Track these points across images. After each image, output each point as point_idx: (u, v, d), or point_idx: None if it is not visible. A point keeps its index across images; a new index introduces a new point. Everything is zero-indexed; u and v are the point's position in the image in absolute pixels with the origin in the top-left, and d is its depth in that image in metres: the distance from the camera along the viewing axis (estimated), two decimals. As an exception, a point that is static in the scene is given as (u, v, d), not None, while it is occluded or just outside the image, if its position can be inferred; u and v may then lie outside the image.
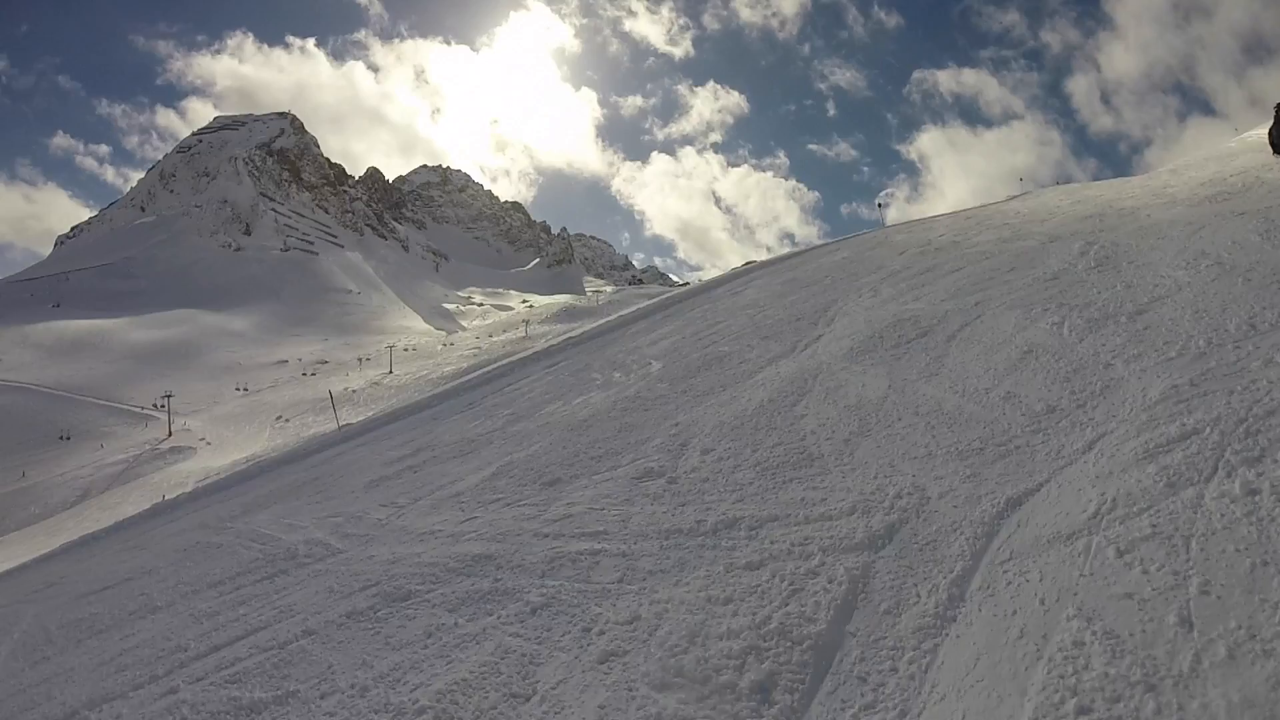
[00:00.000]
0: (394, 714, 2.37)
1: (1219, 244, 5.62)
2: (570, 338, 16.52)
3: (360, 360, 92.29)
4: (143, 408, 77.61)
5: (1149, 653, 1.51)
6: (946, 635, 1.81)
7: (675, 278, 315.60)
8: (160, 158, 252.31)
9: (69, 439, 70.78)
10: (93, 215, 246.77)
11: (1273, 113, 10.80)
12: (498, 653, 2.49)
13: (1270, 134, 9.45)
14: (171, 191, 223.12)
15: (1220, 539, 1.81)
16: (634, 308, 21.69)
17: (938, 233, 14.82)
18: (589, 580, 2.84)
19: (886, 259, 12.00)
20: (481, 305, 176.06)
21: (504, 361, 19.28)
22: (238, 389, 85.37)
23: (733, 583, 2.37)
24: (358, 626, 3.35)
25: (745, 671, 1.89)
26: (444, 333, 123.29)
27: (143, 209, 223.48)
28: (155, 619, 5.16)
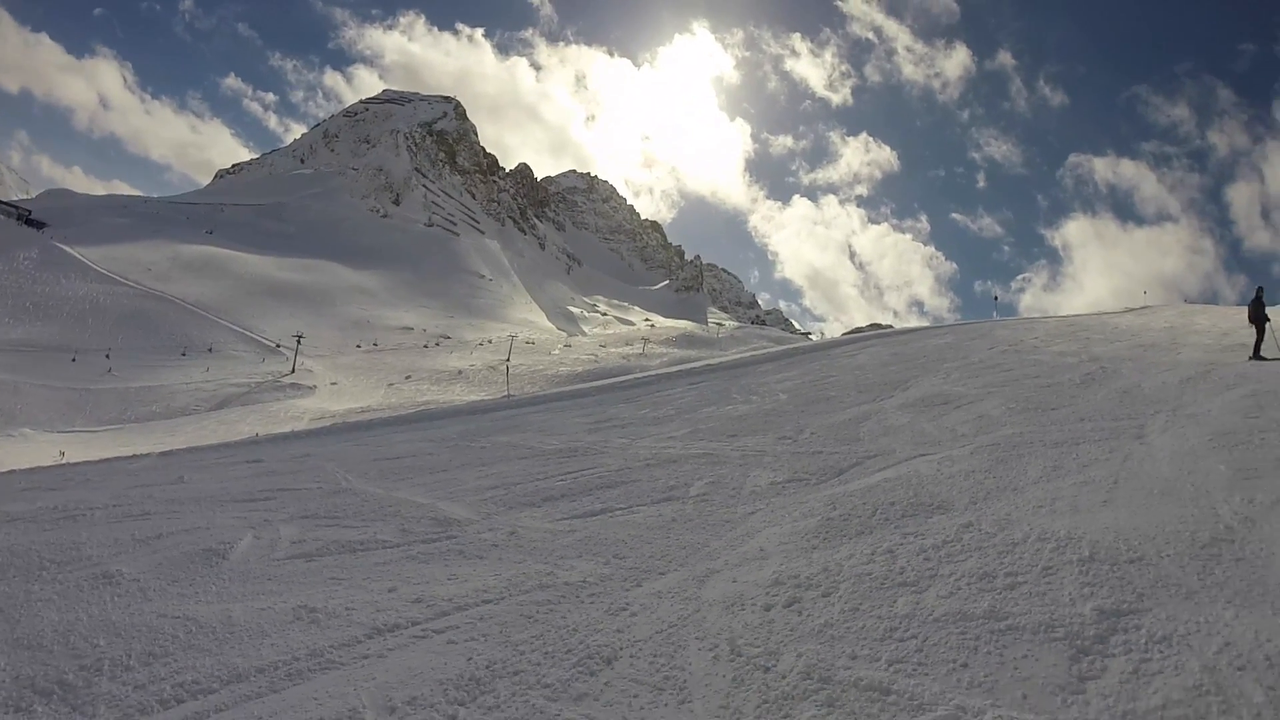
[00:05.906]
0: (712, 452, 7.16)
1: (1146, 382, 9.81)
2: (710, 365, 21.13)
3: (483, 343, 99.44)
4: (270, 341, 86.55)
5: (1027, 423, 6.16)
6: (880, 459, 6.51)
7: (798, 325, 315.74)
8: (325, 117, 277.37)
9: (212, 351, 79.69)
10: (254, 157, 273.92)
11: None
12: (730, 468, 7.26)
13: (1249, 310, 13.24)
14: (332, 150, 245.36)
15: (997, 418, 6.41)
16: (763, 350, 26.03)
17: (1034, 334, 18.42)
18: (760, 459, 7.60)
19: (975, 351, 15.67)
20: (605, 315, 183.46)
21: (648, 373, 24.26)
22: (359, 345, 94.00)
23: (820, 459, 7.14)
24: (657, 467, 7.94)
25: (830, 463, 6.65)
26: (565, 334, 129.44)
27: (302, 161, 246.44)
28: (495, 467, 8.59)
